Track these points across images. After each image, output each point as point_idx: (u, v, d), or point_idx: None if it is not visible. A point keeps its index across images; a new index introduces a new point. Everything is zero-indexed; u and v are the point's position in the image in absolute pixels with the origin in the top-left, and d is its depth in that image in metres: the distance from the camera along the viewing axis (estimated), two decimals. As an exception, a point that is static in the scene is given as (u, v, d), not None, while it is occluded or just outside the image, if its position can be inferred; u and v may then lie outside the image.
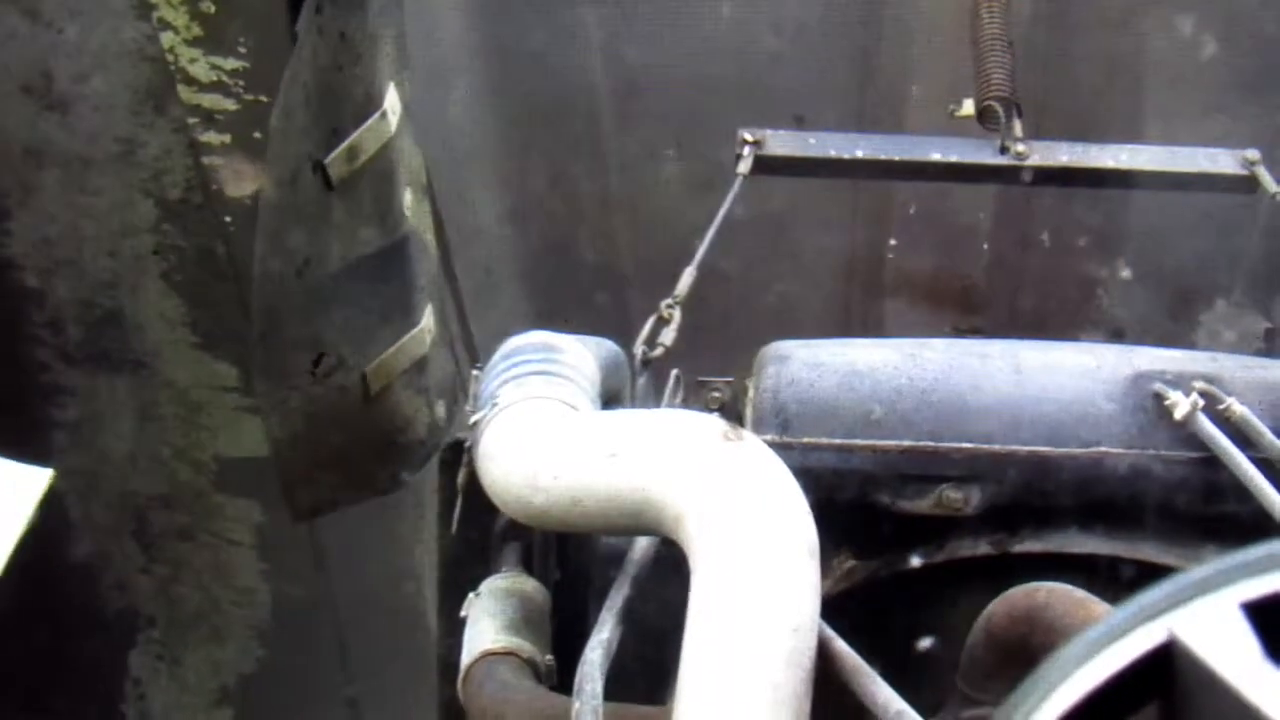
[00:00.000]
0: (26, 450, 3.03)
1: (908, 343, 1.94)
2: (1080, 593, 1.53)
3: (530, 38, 3.63)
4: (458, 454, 1.83)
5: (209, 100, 2.89)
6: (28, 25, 2.91)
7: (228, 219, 3.05)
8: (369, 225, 2.80)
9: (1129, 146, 2.75)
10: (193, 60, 2.83)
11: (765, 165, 2.68)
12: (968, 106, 2.77)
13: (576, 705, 1.35)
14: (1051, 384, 1.83)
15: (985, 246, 3.66)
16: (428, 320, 3.03)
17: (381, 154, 2.74)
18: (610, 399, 1.94)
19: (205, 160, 2.96)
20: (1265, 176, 2.60)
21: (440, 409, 3.09)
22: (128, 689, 3.72)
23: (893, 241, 3.68)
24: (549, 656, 1.66)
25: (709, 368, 2.07)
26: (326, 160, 2.62)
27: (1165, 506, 1.77)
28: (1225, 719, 0.63)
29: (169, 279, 3.18)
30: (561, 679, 1.61)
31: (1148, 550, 1.76)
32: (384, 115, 2.74)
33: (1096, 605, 1.49)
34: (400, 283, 2.93)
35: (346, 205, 2.71)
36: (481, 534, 1.85)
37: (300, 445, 2.81)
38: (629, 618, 1.53)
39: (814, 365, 1.86)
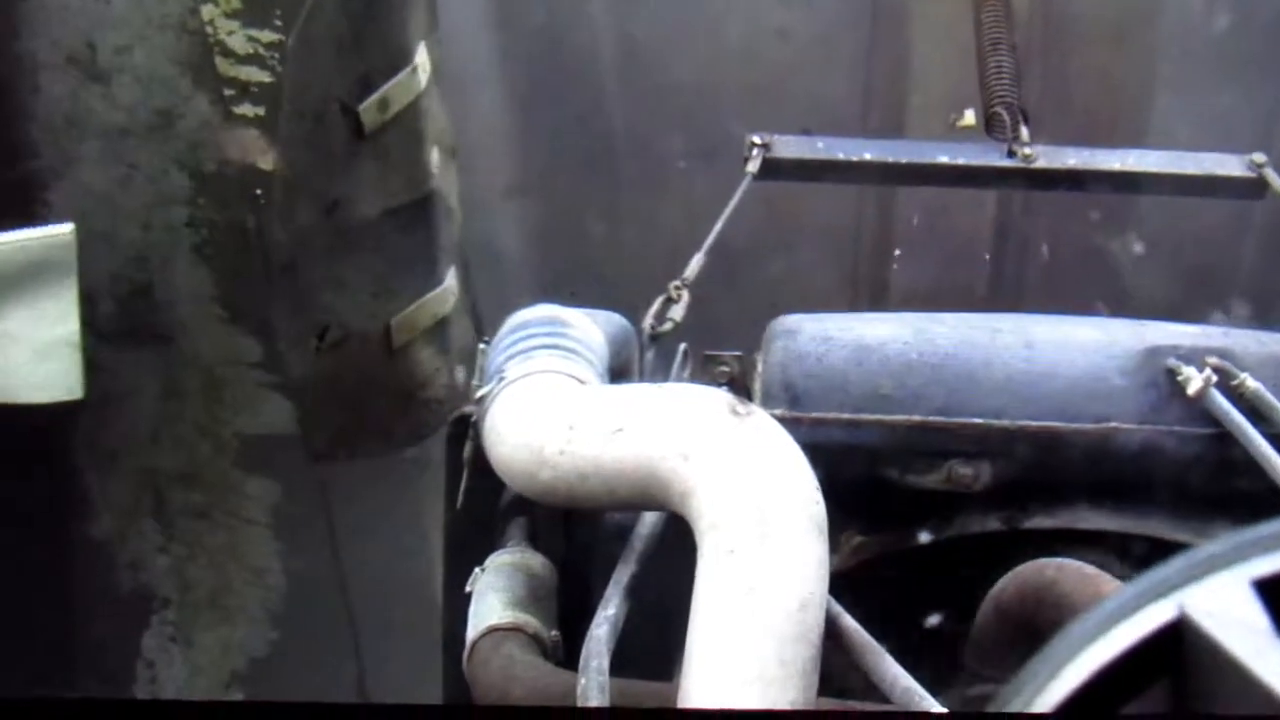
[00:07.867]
0: (51, 430, 3.05)
1: (918, 317, 1.92)
2: (1090, 569, 1.52)
3: (536, 10, 3.62)
4: (464, 428, 1.83)
5: (245, 73, 2.90)
6: None
7: (258, 192, 3.05)
8: (397, 177, 2.85)
9: (1136, 150, 2.74)
10: (230, 32, 2.85)
11: (773, 168, 2.66)
12: (969, 116, 2.75)
13: (582, 681, 1.35)
14: (1063, 359, 1.82)
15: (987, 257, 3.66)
16: (450, 281, 3.08)
17: (411, 109, 2.78)
18: (618, 373, 1.93)
19: (239, 132, 2.97)
20: (1274, 178, 2.58)
21: (460, 374, 3.12)
22: (140, 670, 3.72)
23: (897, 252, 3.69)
24: (555, 632, 1.65)
25: (717, 342, 2.06)
26: (360, 108, 2.64)
27: (1177, 482, 1.76)
28: (1235, 697, 0.63)
29: (199, 252, 3.18)
30: (567, 654, 1.60)
31: (1158, 526, 1.76)
32: (415, 71, 2.78)
33: (1106, 582, 1.49)
34: (425, 239, 2.97)
35: (376, 155, 2.75)
36: (487, 509, 1.85)
37: (321, 385, 2.83)
38: (635, 593, 1.53)
39: (823, 339, 1.85)
